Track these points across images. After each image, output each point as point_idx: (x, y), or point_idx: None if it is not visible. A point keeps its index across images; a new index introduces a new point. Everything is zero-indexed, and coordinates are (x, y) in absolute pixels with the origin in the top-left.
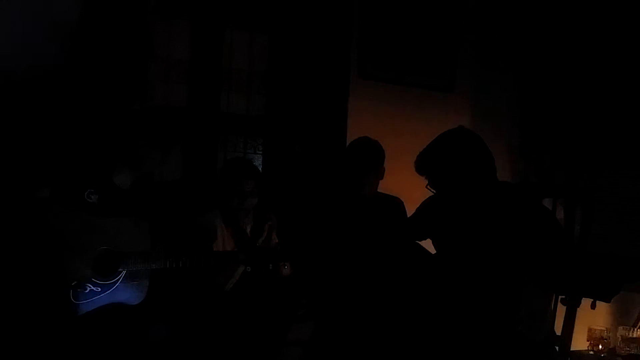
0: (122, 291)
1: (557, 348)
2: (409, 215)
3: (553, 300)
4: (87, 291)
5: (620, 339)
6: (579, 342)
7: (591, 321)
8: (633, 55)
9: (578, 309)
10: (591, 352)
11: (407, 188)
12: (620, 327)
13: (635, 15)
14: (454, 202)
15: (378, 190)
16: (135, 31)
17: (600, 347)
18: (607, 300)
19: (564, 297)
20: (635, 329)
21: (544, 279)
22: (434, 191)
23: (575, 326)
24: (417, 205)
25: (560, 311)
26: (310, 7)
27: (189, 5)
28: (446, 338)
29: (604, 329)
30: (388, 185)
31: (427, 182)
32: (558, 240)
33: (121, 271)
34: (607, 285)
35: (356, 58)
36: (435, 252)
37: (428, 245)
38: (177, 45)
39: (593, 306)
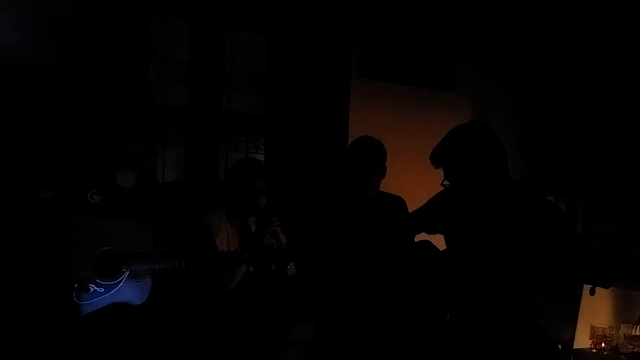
0: (125, 291)
1: (559, 346)
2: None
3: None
4: (90, 291)
5: (622, 337)
6: (582, 340)
7: (594, 319)
8: (633, 54)
9: (580, 306)
10: (594, 350)
11: (409, 187)
12: (623, 325)
13: (635, 15)
14: (469, 197)
15: (380, 189)
16: (135, 31)
17: (603, 345)
18: (606, 286)
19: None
20: (638, 327)
21: (552, 271)
22: (450, 185)
23: (578, 324)
24: (419, 204)
25: None
26: (310, 6)
27: (190, 6)
28: (451, 337)
29: (606, 326)
30: (390, 184)
31: (439, 171)
32: (569, 238)
33: (124, 271)
34: (606, 271)
35: (356, 57)
36: (444, 246)
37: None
38: (178, 45)
39: (592, 292)
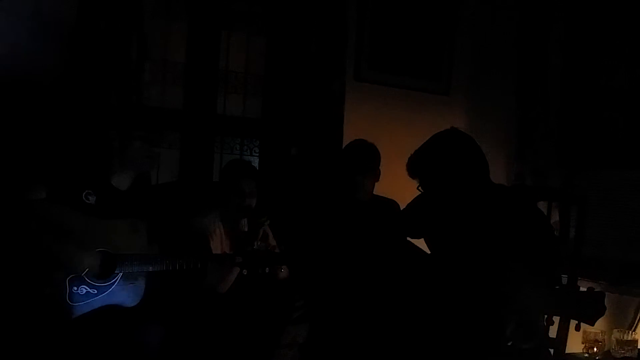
0: (118, 293)
1: (551, 351)
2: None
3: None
4: (83, 293)
5: (615, 342)
6: (574, 345)
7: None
8: (628, 58)
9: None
10: (586, 355)
11: (403, 190)
12: (615, 330)
13: (634, 16)
14: (446, 204)
15: (374, 192)
16: (131, 33)
17: (595, 349)
18: (591, 324)
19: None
20: (630, 332)
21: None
22: (423, 192)
23: (570, 329)
24: None
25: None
26: (306, 9)
27: (186, 7)
28: (440, 341)
29: (598, 331)
30: (384, 187)
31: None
32: (548, 245)
33: (118, 273)
34: (592, 309)
35: (352, 61)
36: (429, 251)
37: (422, 244)
38: (174, 47)
39: (577, 328)
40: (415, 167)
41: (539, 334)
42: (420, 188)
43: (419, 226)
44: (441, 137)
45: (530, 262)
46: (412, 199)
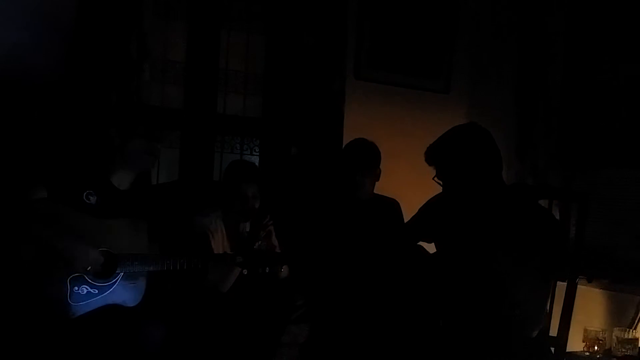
0: (119, 293)
1: (552, 349)
2: (406, 217)
3: (550, 297)
4: (84, 292)
5: (616, 340)
6: (575, 344)
7: (587, 322)
8: (629, 56)
9: (573, 310)
10: (587, 354)
11: (404, 189)
12: (616, 328)
13: (635, 13)
14: (460, 200)
15: (374, 191)
16: (131, 32)
17: (595, 348)
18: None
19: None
20: (631, 330)
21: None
22: (441, 183)
23: (570, 327)
24: (414, 207)
25: (556, 312)
26: (306, 8)
27: (185, 6)
28: (443, 341)
29: (599, 330)
30: (384, 186)
31: (434, 174)
32: (557, 243)
33: (119, 272)
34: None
35: (352, 59)
36: (434, 251)
37: (426, 246)
38: (174, 46)
39: (590, 280)
40: (434, 154)
41: (542, 323)
42: (436, 178)
43: (431, 228)
44: (462, 128)
45: (540, 259)
46: (412, 197)
